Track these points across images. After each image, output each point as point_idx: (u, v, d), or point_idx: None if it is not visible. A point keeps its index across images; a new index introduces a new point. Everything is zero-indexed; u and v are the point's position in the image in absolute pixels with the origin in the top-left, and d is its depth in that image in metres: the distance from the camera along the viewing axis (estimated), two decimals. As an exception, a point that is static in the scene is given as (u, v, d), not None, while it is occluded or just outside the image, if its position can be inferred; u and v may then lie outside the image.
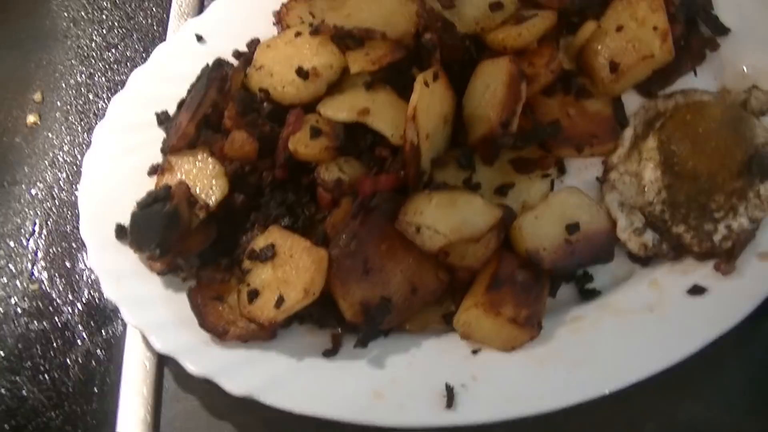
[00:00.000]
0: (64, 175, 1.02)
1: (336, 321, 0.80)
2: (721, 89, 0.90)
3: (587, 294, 0.80)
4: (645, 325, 0.76)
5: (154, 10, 1.17)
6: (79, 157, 1.03)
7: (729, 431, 0.76)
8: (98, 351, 0.88)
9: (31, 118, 1.06)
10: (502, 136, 0.82)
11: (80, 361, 0.87)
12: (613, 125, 0.88)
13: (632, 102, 0.90)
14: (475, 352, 0.77)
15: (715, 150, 0.82)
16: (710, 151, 0.82)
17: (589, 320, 0.78)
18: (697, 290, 0.77)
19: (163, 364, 0.85)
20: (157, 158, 0.91)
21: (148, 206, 0.84)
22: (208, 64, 0.92)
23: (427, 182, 0.82)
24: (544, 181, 0.85)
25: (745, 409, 0.77)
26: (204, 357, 0.79)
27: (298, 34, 0.90)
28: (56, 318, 0.90)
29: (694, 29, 0.92)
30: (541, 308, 0.77)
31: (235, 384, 0.77)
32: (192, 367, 0.78)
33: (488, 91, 0.84)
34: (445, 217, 0.77)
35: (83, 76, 1.10)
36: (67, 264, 0.94)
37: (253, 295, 0.78)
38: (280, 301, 0.77)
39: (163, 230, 0.82)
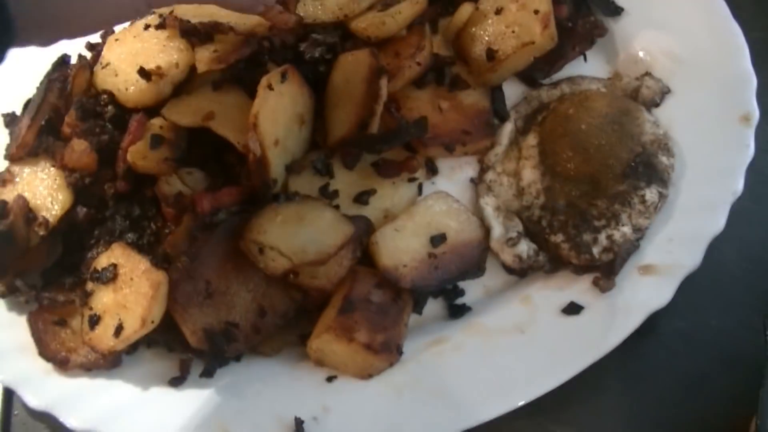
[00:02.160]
0: None
1: (182, 346, 0.74)
2: (612, 75, 0.83)
3: (456, 310, 0.75)
4: (513, 348, 0.71)
5: None
6: None
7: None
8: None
9: None
10: (361, 139, 0.76)
11: None
12: (489, 119, 0.81)
13: (515, 92, 0.83)
14: (330, 379, 0.72)
15: (599, 149, 0.75)
16: (593, 150, 0.75)
17: (453, 342, 0.72)
18: (572, 309, 0.72)
19: (12, 392, 0.80)
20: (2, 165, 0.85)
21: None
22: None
23: (282, 191, 0.76)
24: (410, 185, 0.78)
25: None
26: (44, 388, 0.74)
27: (147, 26, 0.82)
28: None
29: (584, 10, 0.85)
30: (400, 331, 0.72)
31: (77, 418, 0.72)
32: (31, 399, 0.74)
33: (347, 87, 0.77)
34: (291, 237, 0.71)
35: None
36: None
37: (95, 320, 0.73)
38: (119, 329, 0.71)
39: (-2, 252, 0.77)
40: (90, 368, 0.75)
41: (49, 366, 0.75)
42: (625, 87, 0.81)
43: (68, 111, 0.81)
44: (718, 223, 0.72)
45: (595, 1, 0.85)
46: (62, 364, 0.75)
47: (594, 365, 0.69)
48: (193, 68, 0.79)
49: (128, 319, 0.71)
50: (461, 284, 0.76)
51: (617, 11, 0.85)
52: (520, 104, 0.82)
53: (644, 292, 0.71)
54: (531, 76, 0.84)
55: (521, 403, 0.68)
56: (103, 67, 0.82)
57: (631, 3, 0.85)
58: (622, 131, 0.76)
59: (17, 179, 0.81)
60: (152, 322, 0.71)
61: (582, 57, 0.84)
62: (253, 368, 0.74)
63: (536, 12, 0.79)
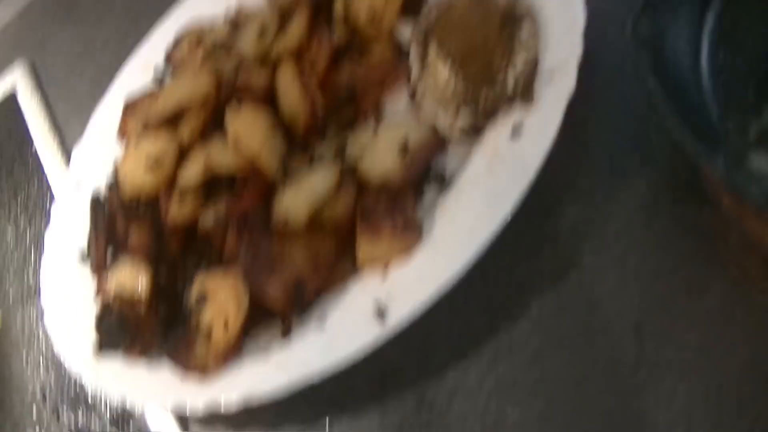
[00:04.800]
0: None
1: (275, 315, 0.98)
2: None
3: (443, 187, 0.98)
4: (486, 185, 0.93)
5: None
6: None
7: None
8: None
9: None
10: (315, 125, 1.03)
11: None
12: (396, 60, 1.07)
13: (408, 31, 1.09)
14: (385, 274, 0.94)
15: (475, 29, 1.01)
16: (471, 32, 1.01)
17: (448, 205, 0.95)
18: (515, 131, 0.93)
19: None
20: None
21: (101, 324, 1.04)
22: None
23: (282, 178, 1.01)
24: (366, 128, 1.04)
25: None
26: (201, 396, 0.96)
27: (137, 139, 1.11)
28: None
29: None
30: (413, 214, 0.96)
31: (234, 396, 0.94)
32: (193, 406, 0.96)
33: (289, 93, 1.04)
34: (297, 198, 0.97)
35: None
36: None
37: (207, 331, 0.97)
38: (225, 325, 0.96)
39: (120, 334, 1.02)
40: (222, 365, 0.96)
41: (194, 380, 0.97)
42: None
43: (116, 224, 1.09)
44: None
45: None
46: (203, 374, 0.97)
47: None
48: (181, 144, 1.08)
49: (229, 315, 0.95)
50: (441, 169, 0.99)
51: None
52: (413, 35, 1.07)
53: (556, 92, 0.92)
54: (411, 12, 1.09)
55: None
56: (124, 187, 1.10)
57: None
58: (485, 8, 1.02)
59: (109, 282, 1.07)
60: (243, 306, 0.95)
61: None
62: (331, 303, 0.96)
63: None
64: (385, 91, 1.06)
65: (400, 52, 1.08)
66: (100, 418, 1.11)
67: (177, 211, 1.03)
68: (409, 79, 1.06)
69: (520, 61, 0.97)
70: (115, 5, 1.54)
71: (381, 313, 0.90)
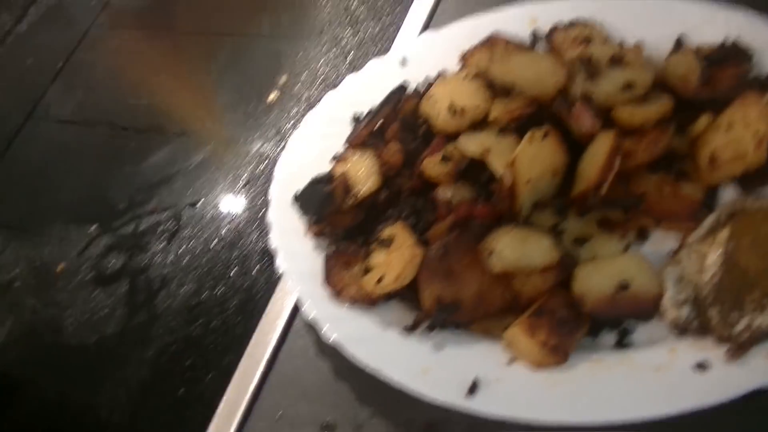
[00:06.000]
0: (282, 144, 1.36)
1: (419, 307, 1.05)
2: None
3: (621, 344, 0.99)
4: (644, 380, 0.94)
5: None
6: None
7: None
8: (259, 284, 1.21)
9: (272, 96, 1.41)
10: (592, 197, 1.03)
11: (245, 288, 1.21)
12: (697, 209, 1.04)
13: (729, 195, 1.05)
14: (510, 361, 1.00)
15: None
16: (764, 253, 0.97)
17: (607, 364, 0.97)
18: (702, 366, 0.93)
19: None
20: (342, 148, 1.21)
21: (315, 184, 1.15)
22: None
23: (524, 219, 1.05)
24: (620, 242, 1.04)
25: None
26: (317, 304, 1.08)
27: (466, 76, 1.15)
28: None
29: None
30: (572, 342, 0.98)
31: (330, 331, 1.05)
32: (306, 309, 1.08)
33: (595, 157, 1.05)
34: (513, 249, 1.00)
35: (324, 68, 1.43)
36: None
37: (367, 270, 1.06)
38: (380, 280, 1.04)
39: (320, 205, 1.13)
40: (354, 302, 1.07)
41: (327, 293, 1.08)
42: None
43: (395, 122, 1.17)
44: None
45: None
46: (337, 294, 1.08)
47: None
48: (488, 113, 1.12)
49: (388, 275, 1.04)
50: (631, 326, 1.00)
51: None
52: (727, 204, 1.04)
53: (762, 370, 0.91)
54: (746, 185, 1.05)
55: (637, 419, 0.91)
56: (428, 99, 1.16)
57: None
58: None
59: (348, 160, 1.16)
60: (403, 280, 1.03)
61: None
62: (461, 337, 1.03)
63: (756, 132, 1.02)
64: (664, 222, 1.05)
65: (706, 205, 1.05)
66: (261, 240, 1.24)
67: (435, 162, 1.09)
68: (688, 233, 1.04)
69: (766, 320, 0.94)
70: None
71: (472, 388, 0.97)
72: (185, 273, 1.76)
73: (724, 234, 1.01)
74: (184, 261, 1.83)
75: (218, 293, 1.19)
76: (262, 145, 1.28)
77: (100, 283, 2.07)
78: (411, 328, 1.04)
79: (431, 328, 1.04)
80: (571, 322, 0.99)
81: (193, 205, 1.85)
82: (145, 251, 2.04)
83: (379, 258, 1.07)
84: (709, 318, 0.97)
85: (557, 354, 0.97)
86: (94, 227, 2.25)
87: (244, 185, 1.30)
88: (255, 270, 1.18)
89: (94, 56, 2.96)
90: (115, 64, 2.80)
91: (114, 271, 2.05)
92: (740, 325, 0.95)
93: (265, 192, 1.32)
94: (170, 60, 2.44)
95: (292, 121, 1.31)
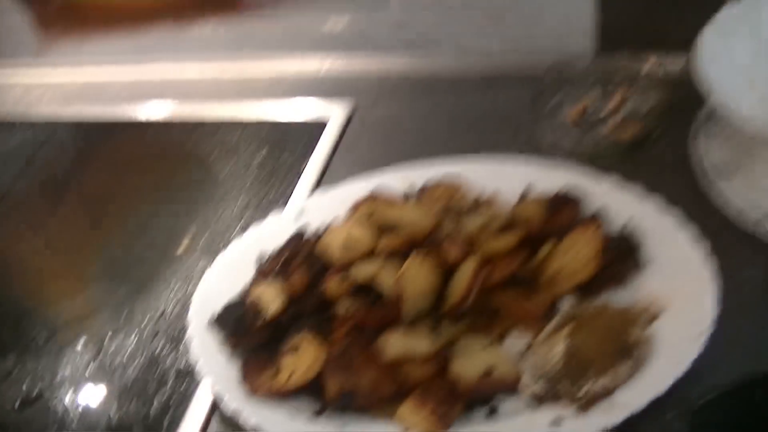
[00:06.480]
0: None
1: (323, 397, 1.25)
2: (632, 306, 1.31)
3: (491, 415, 1.21)
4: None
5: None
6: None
7: None
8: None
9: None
10: (461, 307, 1.29)
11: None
12: (544, 314, 1.30)
13: (570, 302, 1.32)
14: (408, 438, 1.19)
15: (601, 342, 1.24)
16: (598, 341, 1.24)
17: (481, 430, 1.19)
18: (556, 421, 1.15)
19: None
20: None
21: (229, 308, 1.37)
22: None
23: (409, 324, 1.29)
24: (485, 339, 1.28)
25: None
26: (236, 397, 1.25)
27: (356, 220, 1.42)
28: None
29: (624, 259, 1.35)
30: (453, 415, 1.18)
31: (249, 418, 1.22)
32: (227, 401, 1.25)
33: (462, 276, 1.31)
34: (400, 343, 1.23)
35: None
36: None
37: (278, 371, 1.27)
38: (290, 377, 1.25)
39: (234, 326, 1.34)
40: (268, 396, 1.24)
41: (243, 390, 1.25)
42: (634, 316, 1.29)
43: (297, 257, 1.42)
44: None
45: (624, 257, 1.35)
46: (253, 392, 1.24)
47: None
48: (375, 247, 1.38)
49: (297, 371, 1.24)
50: (499, 401, 1.21)
51: (641, 266, 1.34)
52: (566, 310, 1.31)
53: (604, 418, 1.14)
54: (582, 293, 1.31)
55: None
56: (324, 238, 1.41)
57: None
58: (618, 333, 1.25)
59: (257, 287, 1.39)
60: (311, 375, 1.24)
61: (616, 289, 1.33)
62: (362, 418, 1.20)
63: (585, 255, 1.31)
64: (517, 324, 1.31)
65: (551, 310, 1.32)
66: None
67: (334, 285, 1.33)
68: (538, 332, 1.30)
69: (602, 383, 1.19)
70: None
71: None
72: None
73: (566, 330, 1.28)
74: None
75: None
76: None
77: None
78: (319, 413, 1.24)
79: (335, 412, 1.24)
80: (450, 399, 1.21)
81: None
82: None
83: (289, 360, 1.28)
84: (559, 389, 1.21)
85: (443, 421, 1.19)
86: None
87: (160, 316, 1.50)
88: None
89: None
90: None
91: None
92: (585, 389, 1.19)
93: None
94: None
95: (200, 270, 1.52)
